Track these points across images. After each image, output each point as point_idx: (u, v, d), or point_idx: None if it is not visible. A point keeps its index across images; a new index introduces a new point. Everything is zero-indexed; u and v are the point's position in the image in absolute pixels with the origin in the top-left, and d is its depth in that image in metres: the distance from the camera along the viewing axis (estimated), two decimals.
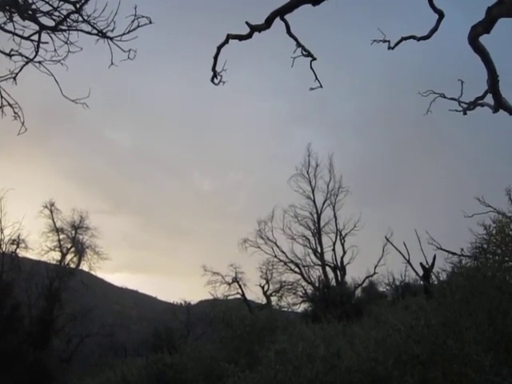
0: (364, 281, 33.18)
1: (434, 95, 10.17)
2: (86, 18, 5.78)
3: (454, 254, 13.45)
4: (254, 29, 5.84)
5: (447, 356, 7.47)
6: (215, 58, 6.32)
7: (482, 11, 4.95)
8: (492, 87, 6.09)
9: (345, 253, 34.48)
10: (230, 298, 34.97)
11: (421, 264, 16.57)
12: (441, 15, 6.88)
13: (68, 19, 5.80)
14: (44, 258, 31.22)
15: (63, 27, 5.88)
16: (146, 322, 40.85)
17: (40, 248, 30.97)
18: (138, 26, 5.82)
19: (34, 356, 25.08)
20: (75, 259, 32.19)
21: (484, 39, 5.32)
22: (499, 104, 6.43)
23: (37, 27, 5.86)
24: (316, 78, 6.97)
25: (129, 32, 5.86)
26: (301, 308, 34.71)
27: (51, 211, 32.06)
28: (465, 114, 9.58)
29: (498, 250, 11.30)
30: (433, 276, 16.26)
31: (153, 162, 71.64)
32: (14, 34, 5.86)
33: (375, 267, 32.51)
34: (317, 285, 34.35)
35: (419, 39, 7.74)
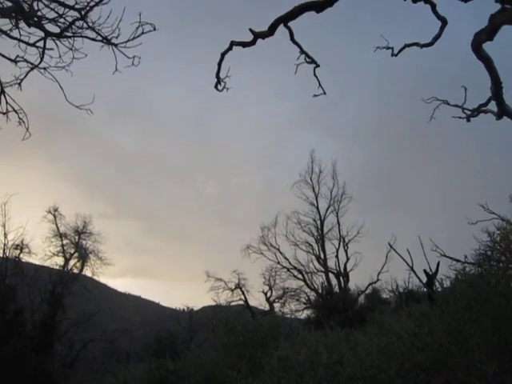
0: (367, 287, 33.10)
1: (438, 102, 10.19)
2: (90, 24, 5.82)
3: (457, 260, 13.44)
4: (258, 36, 5.87)
5: (451, 364, 7.44)
6: (219, 65, 6.35)
7: (486, 18, 4.96)
8: (495, 94, 6.10)
9: (348, 259, 34.44)
10: (232, 304, 34.96)
11: (424, 271, 16.53)
12: (444, 22, 6.90)
13: (73, 26, 5.85)
14: (47, 263, 31.27)
15: (68, 34, 5.92)
16: (148, 327, 40.81)
17: (43, 253, 31.02)
18: (143, 33, 5.86)
19: (36, 361, 25.06)
20: (78, 264, 32.22)
21: (487, 46, 5.34)
22: (503, 111, 6.43)
23: (42, 34, 5.91)
24: (319, 85, 6.99)
25: (133, 39, 5.90)
26: (304, 315, 34.69)
27: (55, 216, 32.14)
28: (468, 120, 9.59)
29: (502, 257, 11.28)
30: (436, 283, 16.22)
31: (157, 167, 71.83)
32: (20, 40, 5.90)
33: (378, 274, 32.41)
34: (320, 291, 34.27)
35: (422, 46, 7.77)
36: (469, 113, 9.63)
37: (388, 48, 8.80)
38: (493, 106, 7.46)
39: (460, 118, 9.90)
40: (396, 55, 8.70)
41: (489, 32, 5.00)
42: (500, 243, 11.46)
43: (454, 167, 48.10)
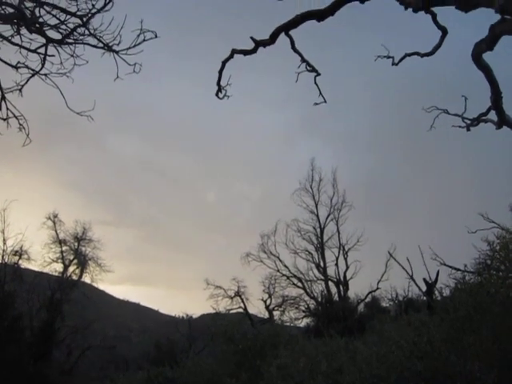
0: (367, 296, 33.03)
1: (438, 111, 10.21)
2: (92, 31, 5.85)
3: (457, 269, 13.42)
4: (259, 44, 5.89)
5: (450, 373, 7.42)
6: (220, 73, 6.37)
7: (486, 28, 4.99)
8: (495, 103, 6.11)
9: (348, 268, 34.40)
10: (232, 311, 34.86)
11: (424, 280, 16.55)
12: (444, 32, 6.93)
13: (74, 32, 5.87)
14: (46, 270, 31.15)
15: (70, 40, 5.94)
16: (147, 334, 40.66)
17: (42, 259, 30.90)
18: (144, 40, 5.88)
19: (34, 367, 25.00)
20: (77, 271, 32.14)
21: (487, 56, 5.36)
22: (502, 120, 6.44)
23: (43, 40, 5.93)
24: (320, 93, 7.01)
25: (135, 46, 5.92)
26: (303, 323, 34.60)
27: (54, 222, 32.05)
28: (468, 130, 9.60)
29: (501, 266, 11.25)
30: (436, 292, 16.21)
31: (157, 174, 71.62)
32: (21, 46, 5.92)
33: (378, 282, 32.34)
34: (319, 300, 34.22)
35: (423, 55, 7.80)
36: (469, 122, 9.65)
37: (389, 57, 8.84)
38: (493, 115, 7.49)
39: (460, 127, 9.91)
40: (397, 64, 8.73)
41: (489, 42, 5.01)
42: (499, 252, 11.44)
43: (455, 176, 48.10)
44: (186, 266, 68.07)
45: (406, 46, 8.49)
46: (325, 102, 7.06)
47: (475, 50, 5.24)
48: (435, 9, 6.25)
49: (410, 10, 5.22)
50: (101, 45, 5.96)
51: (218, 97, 6.57)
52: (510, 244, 11.16)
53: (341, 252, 34.86)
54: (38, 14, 5.69)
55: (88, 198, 67.06)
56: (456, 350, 7.63)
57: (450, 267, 14.06)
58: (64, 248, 32.06)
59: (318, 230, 35.93)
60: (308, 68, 6.78)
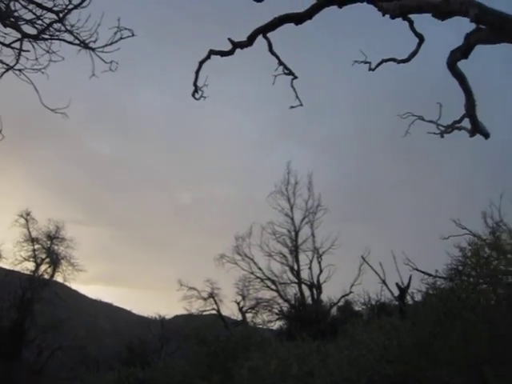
0: (340, 300, 33.16)
1: (413, 117, 10.29)
2: (68, 27, 5.78)
3: (429, 275, 13.53)
4: (237, 45, 5.90)
5: (420, 377, 7.49)
6: (197, 73, 6.35)
7: (461, 37, 5.06)
8: (469, 111, 6.19)
9: (321, 271, 34.46)
10: (205, 313, 34.72)
11: (397, 284, 16.68)
12: (421, 39, 7.01)
13: (50, 28, 5.80)
14: (18, 268, 30.68)
15: (45, 36, 5.87)
16: (119, 335, 40.31)
17: (14, 257, 30.46)
18: (121, 38, 5.84)
19: (3, 367, 24.61)
20: (49, 270, 31.70)
21: (462, 64, 5.43)
22: (476, 129, 6.52)
23: (18, 35, 5.84)
24: (296, 97, 7.03)
25: (111, 43, 5.87)
26: (276, 325, 34.58)
27: (27, 220, 31.61)
28: (442, 136, 9.69)
29: (472, 272, 11.40)
30: (408, 296, 16.36)
31: (132, 174, 70.95)
32: None
33: (351, 286, 32.42)
34: (293, 302, 34.28)
35: (399, 62, 7.86)
36: (443, 129, 9.74)
37: (366, 62, 8.89)
38: (466, 123, 7.57)
39: (435, 133, 9.98)
40: (373, 70, 8.78)
41: (464, 50, 5.09)
42: (471, 258, 11.59)
43: (429, 182, 48.67)
44: (160, 266, 67.58)
45: (384, 52, 8.56)
46: (301, 105, 7.09)
47: (450, 58, 5.31)
48: (412, 16, 6.33)
49: (387, 16, 5.27)
50: (77, 41, 5.90)
51: (195, 97, 6.55)
52: (480, 250, 11.32)
53: (315, 255, 34.96)
54: (12, 8, 5.60)
55: (61, 196, 66.14)
56: (426, 354, 7.70)
57: (423, 272, 14.17)
58: (36, 246, 31.63)
59: (293, 233, 35.97)
60: (285, 71, 6.80)
